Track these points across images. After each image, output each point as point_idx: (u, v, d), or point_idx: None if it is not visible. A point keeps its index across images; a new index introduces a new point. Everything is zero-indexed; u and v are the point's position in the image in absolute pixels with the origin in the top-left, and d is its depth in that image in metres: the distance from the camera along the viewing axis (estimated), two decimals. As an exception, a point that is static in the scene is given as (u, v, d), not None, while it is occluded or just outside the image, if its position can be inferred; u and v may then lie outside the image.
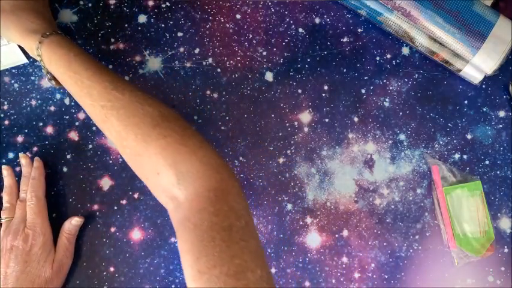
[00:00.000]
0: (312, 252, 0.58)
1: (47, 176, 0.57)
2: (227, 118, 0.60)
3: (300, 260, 0.57)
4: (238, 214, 0.39)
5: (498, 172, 0.59)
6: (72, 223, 0.55)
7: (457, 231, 0.56)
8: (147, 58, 0.61)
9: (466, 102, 0.61)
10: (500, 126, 0.60)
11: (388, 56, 0.61)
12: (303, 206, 0.58)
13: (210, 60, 0.61)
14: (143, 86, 0.60)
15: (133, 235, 0.57)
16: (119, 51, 0.60)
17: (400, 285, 0.57)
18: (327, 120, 0.60)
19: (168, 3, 0.62)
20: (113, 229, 0.57)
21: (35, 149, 0.58)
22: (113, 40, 0.61)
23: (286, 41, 0.61)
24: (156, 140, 0.41)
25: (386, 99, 0.61)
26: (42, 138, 0.59)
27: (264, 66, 0.61)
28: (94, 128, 0.59)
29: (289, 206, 0.58)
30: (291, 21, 0.62)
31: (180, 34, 0.61)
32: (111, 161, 0.58)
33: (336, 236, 0.58)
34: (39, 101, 0.59)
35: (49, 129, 0.59)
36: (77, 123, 0.59)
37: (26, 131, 0.59)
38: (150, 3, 0.62)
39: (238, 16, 0.62)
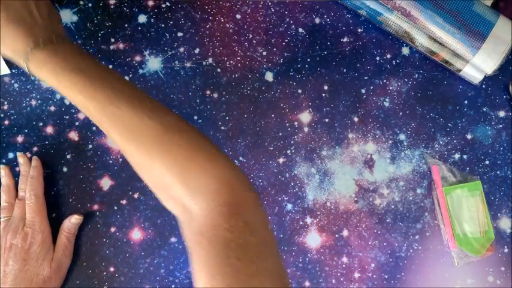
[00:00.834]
0: (312, 252, 0.58)
1: (47, 176, 0.57)
2: (227, 118, 0.60)
3: (300, 260, 0.57)
4: (255, 229, 0.37)
5: (498, 172, 0.59)
6: (72, 221, 0.55)
7: (457, 231, 0.56)
8: (147, 58, 0.61)
9: (466, 102, 0.61)
10: (500, 126, 0.60)
11: (388, 56, 0.61)
12: (303, 206, 0.58)
13: (210, 60, 0.61)
14: (143, 86, 0.60)
15: (133, 235, 0.57)
16: (119, 51, 0.60)
17: (400, 285, 0.57)
18: (327, 120, 0.60)
19: (168, 3, 0.62)
20: (113, 229, 0.57)
21: (35, 149, 0.58)
22: (113, 40, 0.61)
23: (286, 41, 0.61)
24: (160, 156, 0.39)
25: (386, 99, 0.61)
26: (42, 138, 0.59)
27: (264, 66, 0.61)
28: (94, 128, 0.59)
29: (289, 206, 0.58)
30: (291, 21, 0.62)
31: (180, 34, 0.61)
32: (111, 161, 0.58)
33: (336, 236, 0.58)
34: (39, 101, 0.59)
35: (49, 129, 0.59)
36: (77, 123, 0.59)
37: (26, 131, 0.59)
38: (150, 3, 0.62)
39: (238, 16, 0.62)
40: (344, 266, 0.57)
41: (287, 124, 0.60)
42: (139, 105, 0.41)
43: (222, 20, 0.62)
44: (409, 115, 0.60)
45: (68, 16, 0.61)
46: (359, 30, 0.62)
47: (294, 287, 0.57)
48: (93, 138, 0.59)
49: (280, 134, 0.60)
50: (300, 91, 0.61)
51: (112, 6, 0.61)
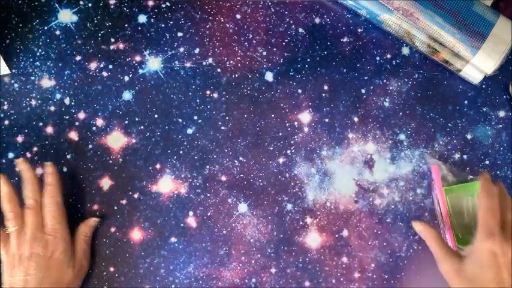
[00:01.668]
0: (312, 252, 0.58)
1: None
2: (227, 118, 0.60)
3: (300, 260, 0.57)
4: None
5: (498, 172, 0.59)
6: (88, 225, 0.55)
7: (457, 231, 0.56)
8: (147, 58, 0.61)
9: (466, 102, 0.61)
10: (500, 126, 0.60)
11: (388, 56, 0.61)
12: (303, 206, 0.58)
13: (210, 60, 0.61)
14: (143, 86, 0.60)
15: (133, 235, 0.57)
16: (119, 51, 0.60)
17: (400, 285, 0.57)
18: (327, 120, 0.60)
19: (168, 3, 0.62)
20: (113, 229, 0.57)
21: (35, 149, 0.58)
22: (113, 40, 0.61)
23: (286, 41, 0.61)
24: None
25: (387, 99, 0.61)
26: (42, 138, 0.59)
27: (264, 66, 0.61)
28: (94, 128, 0.59)
29: (289, 206, 0.58)
30: (291, 21, 0.62)
31: (180, 34, 0.61)
32: (111, 161, 0.58)
33: (336, 236, 0.58)
34: (39, 101, 0.59)
35: (49, 129, 0.59)
36: (77, 123, 0.59)
37: (26, 131, 0.59)
38: (150, 3, 0.62)
39: (238, 16, 0.62)
40: (344, 266, 0.57)
41: (287, 124, 0.60)
42: None
43: (222, 20, 0.62)
44: (409, 115, 0.60)
45: (68, 16, 0.61)
46: (359, 30, 0.62)
47: (294, 287, 0.57)
48: (93, 138, 0.59)
49: (280, 134, 0.60)
50: (300, 91, 0.61)
51: (112, 6, 0.61)
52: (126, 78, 0.60)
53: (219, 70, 0.61)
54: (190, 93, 0.60)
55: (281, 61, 0.61)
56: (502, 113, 0.60)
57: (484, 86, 0.61)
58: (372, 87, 0.61)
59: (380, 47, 0.62)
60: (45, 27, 0.61)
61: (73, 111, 0.59)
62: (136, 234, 0.57)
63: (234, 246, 0.57)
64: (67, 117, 0.59)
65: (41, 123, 0.59)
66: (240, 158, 0.59)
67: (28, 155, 0.58)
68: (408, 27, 0.58)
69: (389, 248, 0.58)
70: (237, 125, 0.60)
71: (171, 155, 0.59)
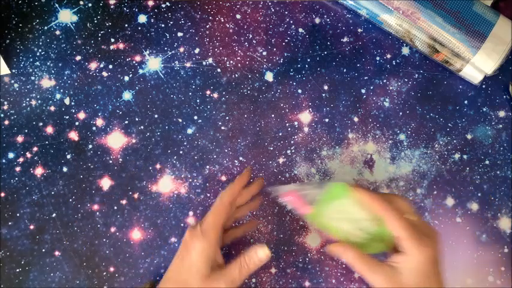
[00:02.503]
0: (312, 252, 0.58)
1: (47, 176, 0.57)
2: (227, 118, 0.60)
3: (300, 260, 0.57)
4: None
5: (498, 172, 0.59)
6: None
7: (356, 242, 0.48)
8: (147, 58, 0.61)
9: (466, 102, 0.61)
10: (500, 126, 0.60)
11: (388, 56, 0.61)
12: (303, 206, 0.58)
13: (210, 60, 0.61)
14: (143, 86, 0.60)
15: (133, 235, 0.57)
16: (119, 51, 0.61)
17: (400, 285, 0.57)
18: (327, 120, 0.60)
19: (168, 3, 0.62)
20: (113, 229, 0.57)
21: (35, 149, 0.58)
22: (113, 40, 0.61)
23: (286, 41, 0.61)
24: None
25: (386, 99, 0.61)
26: (42, 138, 0.59)
27: (264, 66, 0.61)
28: (94, 128, 0.59)
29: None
30: (291, 21, 0.62)
31: (180, 34, 0.61)
32: (111, 161, 0.58)
33: (336, 236, 0.58)
34: (39, 101, 0.59)
35: (49, 129, 0.59)
36: (77, 123, 0.59)
37: (26, 131, 0.59)
38: (150, 3, 0.62)
39: (238, 16, 0.62)
40: (344, 266, 0.57)
41: (287, 124, 0.60)
42: None
43: (222, 20, 0.62)
44: (409, 115, 0.60)
45: (68, 16, 0.61)
46: (359, 30, 0.62)
47: (294, 287, 0.57)
48: (93, 138, 0.59)
49: (280, 134, 0.60)
50: (300, 91, 0.61)
51: (112, 6, 0.61)
52: (126, 78, 0.60)
53: (219, 70, 0.61)
54: (190, 93, 0.60)
55: (281, 61, 0.61)
56: (502, 113, 0.60)
57: (484, 86, 0.61)
58: (372, 87, 0.61)
59: (380, 47, 0.62)
60: (45, 27, 0.61)
61: (73, 111, 0.59)
62: (136, 234, 0.57)
63: (234, 246, 0.57)
64: (67, 117, 0.59)
65: (41, 123, 0.59)
66: (240, 158, 0.59)
67: (28, 155, 0.58)
68: (408, 27, 0.58)
69: (389, 248, 0.58)
70: (237, 125, 0.60)
71: (171, 155, 0.59)
